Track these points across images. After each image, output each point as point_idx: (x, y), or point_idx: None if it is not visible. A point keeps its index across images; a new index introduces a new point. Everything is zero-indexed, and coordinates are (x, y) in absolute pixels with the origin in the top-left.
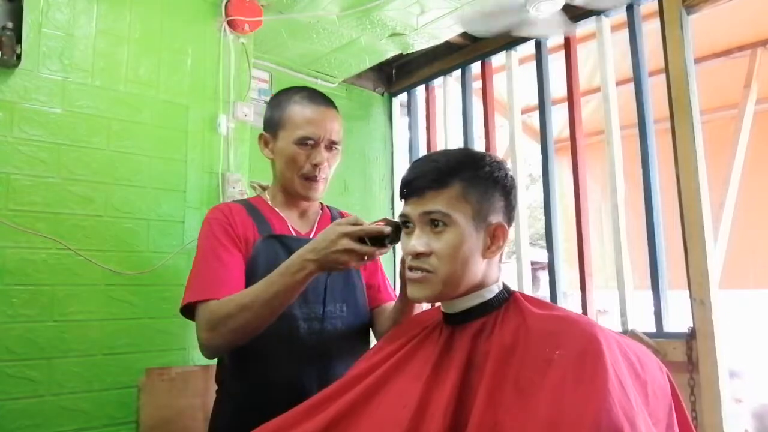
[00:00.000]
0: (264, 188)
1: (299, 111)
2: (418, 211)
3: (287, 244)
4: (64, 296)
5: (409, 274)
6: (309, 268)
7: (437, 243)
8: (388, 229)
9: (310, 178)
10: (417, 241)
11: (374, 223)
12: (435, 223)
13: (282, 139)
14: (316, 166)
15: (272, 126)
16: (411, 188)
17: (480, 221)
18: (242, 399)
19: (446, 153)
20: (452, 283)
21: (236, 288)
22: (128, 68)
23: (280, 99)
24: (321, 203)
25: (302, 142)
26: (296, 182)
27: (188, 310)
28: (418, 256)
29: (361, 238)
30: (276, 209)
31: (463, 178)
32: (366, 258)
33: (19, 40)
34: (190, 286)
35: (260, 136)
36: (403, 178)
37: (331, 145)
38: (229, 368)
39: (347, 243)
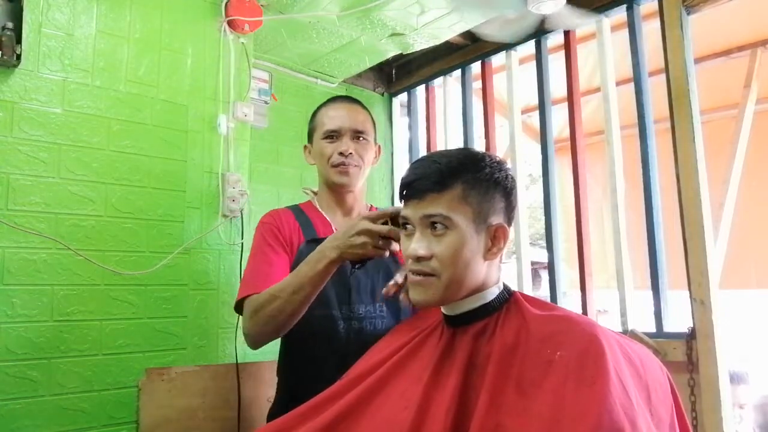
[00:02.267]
0: (316, 193)
1: (324, 112)
2: (419, 213)
3: None
4: (64, 296)
5: (410, 277)
6: (330, 256)
7: (438, 246)
8: (401, 207)
9: (339, 165)
10: (418, 244)
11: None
12: (435, 225)
13: (315, 142)
14: (341, 154)
15: (309, 134)
16: (411, 190)
17: (480, 223)
18: (292, 392)
19: (446, 154)
20: (454, 286)
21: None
22: (128, 68)
23: (316, 109)
24: (371, 205)
25: (328, 135)
26: (330, 173)
27: (239, 307)
28: (419, 259)
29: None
30: (322, 212)
31: (464, 180)
32: (382, 244)
33: (19, 40)
34: (241, 285)
35: (304, 147)
36: (402, 179)
37: (357, 135)
38: (282, 363)
39: (365, 224)
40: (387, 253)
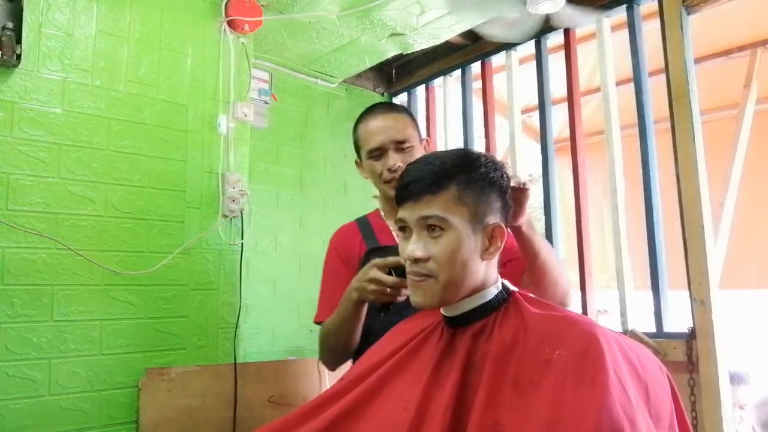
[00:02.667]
0: None
1: (364, 128)
2: (415, 216)
3: (386, 255)
4: (64, 296)
5: (409, 279)
6: (354, 297)
7: (435, 247)
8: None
9: (390, 181)
10: (415, 246)
11: None
12: (432, 227)
13: (363, 159)
14: (390, 170)
15: (356, 150)
16: (406, 193)
17: (477, 223)
18: None
19: (441, 155)
20: (452, 287)
21: (335, 306)
22: (128, 68)
23: (355, 124)
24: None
25: (373, 154)
26: (384, 188)
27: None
28: (416, 261)
29: (388, 271)
30: (386, 220)
31: (459, 181)
32: (390, 291)
33: (19, 40)
34: (317, 305)
35: (356, 163)
36: (398, 181)
37: (400, 147)
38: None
39: (374, 273)
40: (402, 298)
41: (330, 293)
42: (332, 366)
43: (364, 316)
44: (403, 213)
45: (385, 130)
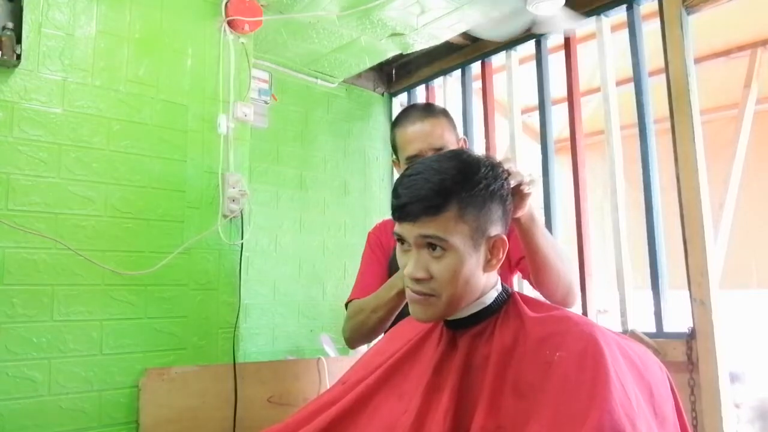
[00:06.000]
0: None
1: (401, 133)
2: (414, 234)
3: None
4: (64, 296)
5: (410, 294)
6: (398, 286)
7: (436, 267)
8: None
9: None
10: (415, 267)
11: None
12: (433, 246)
13: (401, 162)
14: None
15: (394, 151)
16: (404, 213)
17: (479, 237)
18: None
19: (439, 169)
20: (455, 303)
21: (368, 290)
22: (128, 68)
23: (392, 125)
24: None
25: (411, 160)
26: None
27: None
28: (418, 281)
29: None
30: None
31: (459, 199)
32: None
33: (19, 40)
34: (352, 289)
35: (393, 162)
36: (394, 198)
37: (438, 153)
38: None
39: None
40: None
41: (364, 278)
42: (353, 343)
43: (399, 307)
44: (402, 230)
45: (423, 137)
